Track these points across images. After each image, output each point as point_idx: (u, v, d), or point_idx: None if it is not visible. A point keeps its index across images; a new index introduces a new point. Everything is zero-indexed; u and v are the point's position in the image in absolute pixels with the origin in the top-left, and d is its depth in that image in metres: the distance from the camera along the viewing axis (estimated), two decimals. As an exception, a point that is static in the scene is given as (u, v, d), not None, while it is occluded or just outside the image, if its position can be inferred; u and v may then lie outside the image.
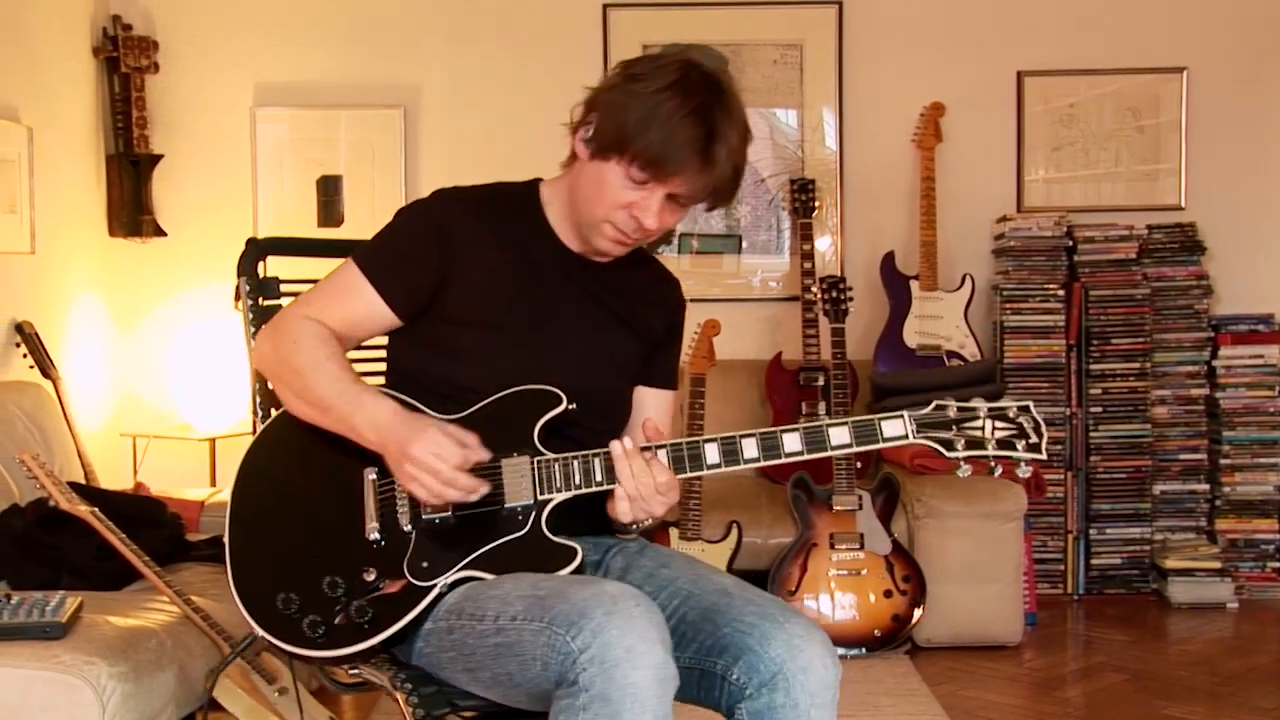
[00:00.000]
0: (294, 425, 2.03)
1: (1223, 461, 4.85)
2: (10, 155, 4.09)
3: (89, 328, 4.72)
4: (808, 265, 4.69)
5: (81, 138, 4.70)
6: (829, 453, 1.87)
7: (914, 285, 4.88)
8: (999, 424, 1.90)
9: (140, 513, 3.37)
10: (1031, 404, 1.93)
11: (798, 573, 4.10)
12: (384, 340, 2.14)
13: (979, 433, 1.89)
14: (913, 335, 4.84)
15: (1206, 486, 4.86)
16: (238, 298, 2.28)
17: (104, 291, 4.86)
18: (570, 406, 1.95)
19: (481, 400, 1.98)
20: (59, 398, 3.98)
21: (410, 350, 2.07)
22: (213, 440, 4.69)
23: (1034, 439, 1.91)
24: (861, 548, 4.10)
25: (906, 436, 1.87)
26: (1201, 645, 4.26)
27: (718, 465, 1.88)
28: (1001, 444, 1.90)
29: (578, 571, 1.88)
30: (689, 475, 1.90)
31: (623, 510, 1.89)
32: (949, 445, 1.89)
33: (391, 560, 1.93)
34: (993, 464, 1.91)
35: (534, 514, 1.92)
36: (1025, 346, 4.81)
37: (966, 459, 1.90)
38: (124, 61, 4.77)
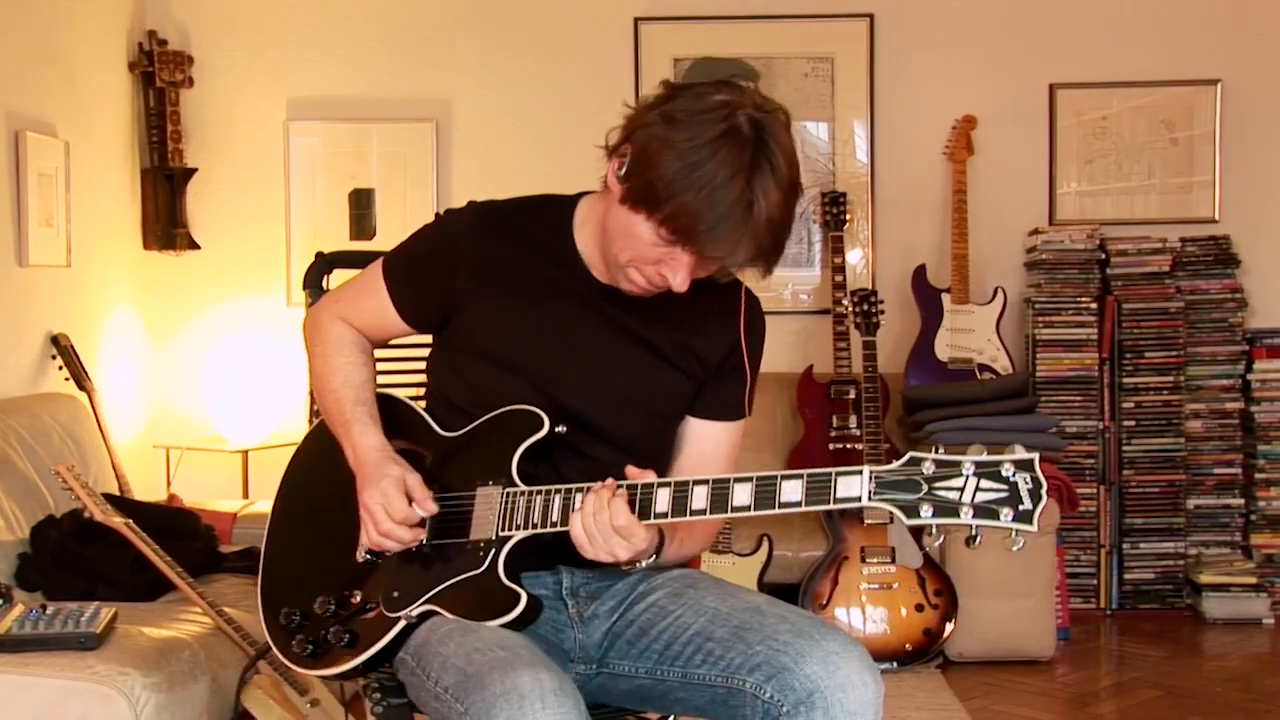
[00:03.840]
0: (328, 433, 2.05)
1: (1258, 476, 4.80)
2: (48, 169, 4.12)
3: (123, 340, 4.75)
4: (839, 278, 4.68)
5: (117, 152, 4.73)
6: (777, 510, 1.66)
7: (946, 298, 4.86)
8: (986, 484, 1.59)
9: (174, 524, 3.40)
10: (1037, 458, 1.60)
11: (829, 586, 4.09)
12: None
13: (954, 494, 1.59)
14: (944, 348, 4.82)
15: (1241, 501, 4.82)
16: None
17: (138, 304, 4.90)
18: (559, 429, 1.88)
19: (476, 420, 1.96)
20: (94, 410, 4.02)
21: (436, 359, 2.09)
22: (245, 452, 4.70)
23: (1026, 505, 1.57)
24: (893, 561, 4.09)
25: (861, 498, 1.62)
26: (1237, 661, 4.23)
27: (665, 514, 1.74)
28: (982, 510, 1.58)
29: (524, 616, 1.81)
30: (648, 521, 1.77)
31: (579, 541, 1.78)
32: (911, 510, 1.60)
33: (375, 585, 1.93)
34: (973, 530, 1.60)
35: (493, 551, 1.84)
36: (1058, 360, 4.79)
37: (936, 526, 1.62)
38: (159, 76, 4.81)
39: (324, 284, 2.32)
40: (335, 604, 1.95)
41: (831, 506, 1.64)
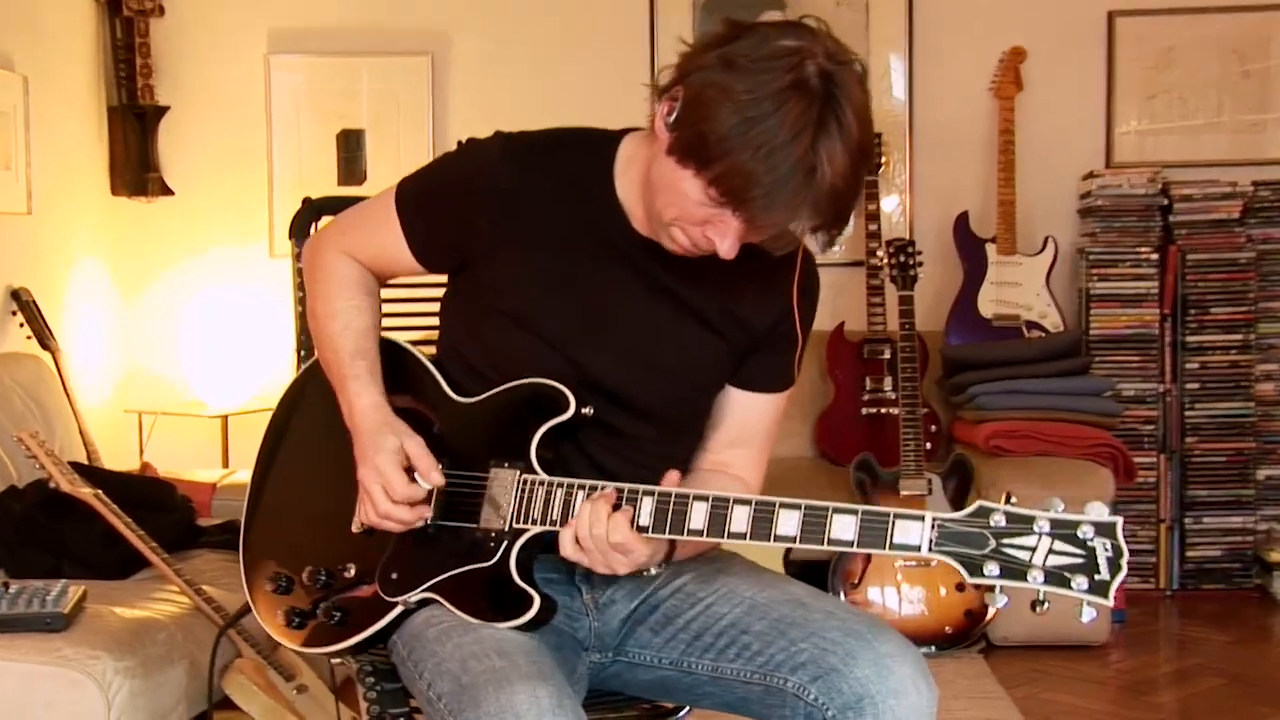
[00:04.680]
0: (323, 377, 2.02)
1: (1334, 444, 4.72)
2: (5, 107, 4.11)
3: (91, 294, 4.75)
4: (873, 227, 4.66)
5: (81, 88, 4.72)
6: (826, 546, 1.66)
7: (990, 249, 4.85)
8: (1060, 545, 1.57)
9: (147, 495, 3.42)
10: (1120, 523, 1.58)
11: (861, 564, 4.09)
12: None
13: (1024, 554, 1.58)
14: (989, 304, 4.81)
15: (1317, 472, 4.74)
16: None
17: (107, 255, 4.90)
18: (585, 411, 1.84)
19: (494, 389, 1.92)
20: (59, 371, 4.02)
21: (450, 305, 2.05)
22: (225, 417, 4.72)
23: (1103, 575, 1.56)
24: (932, 537, 4.08)
25: (920, 548, 1.61)
26: (1309, 647, 4.18)
27: (701, 532, 1.72)
28: (1053, 575, 1.58)
29: (537, 619, 1.80)
30: (670, 536, 1.76)
31: (567, 550, 1.77)
32: (974, 567, 1.59)
33: (371, 561, 1.92)
34: (1040, 595, 1.59)
35: (505, 544, 1.82)
36: (1114, 316, 4.77)
37: (999, 587, 1.61)
38: (126, 4, 4.78)
39: (311, 233, 2.31)
40: (326, 575, 1.94)
41: (886, 552, 1.64)
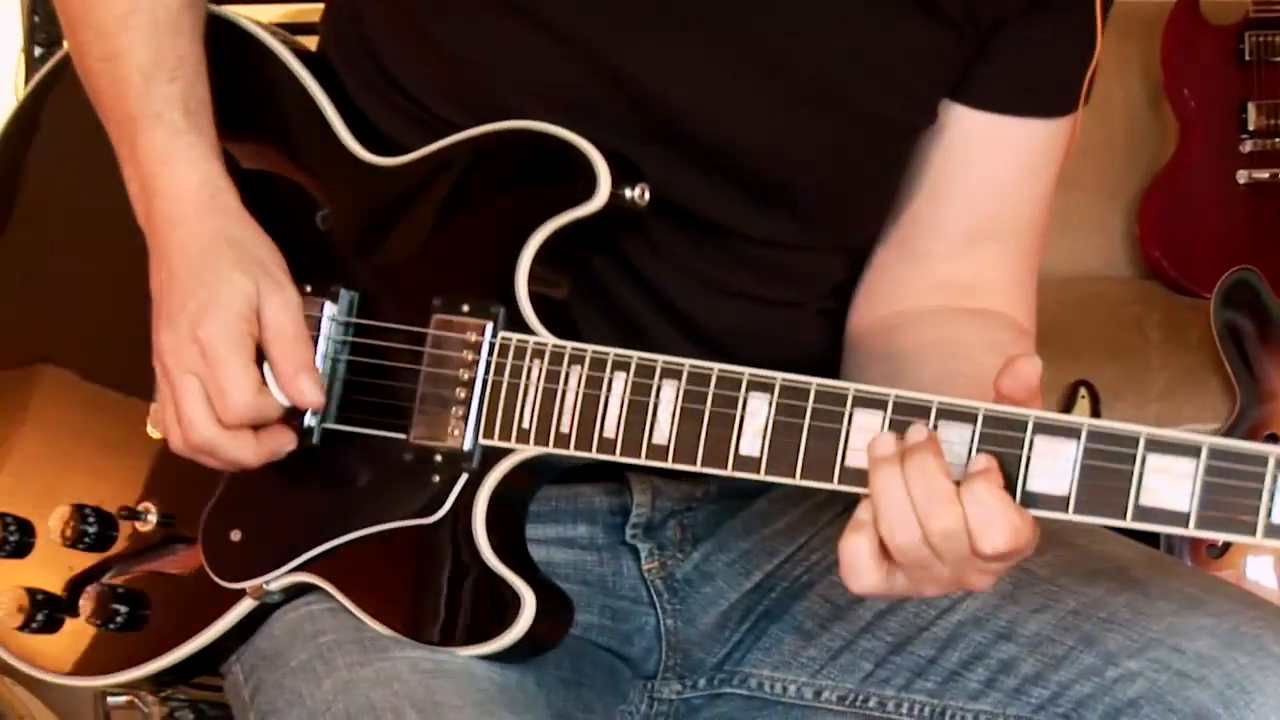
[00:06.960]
0: (81, 103, 1.92)
1: None
2: None
3: None
4: None
5: None
6: (1129, 520, 1.30)
7: None
8: None
9: None
10: None
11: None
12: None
13: None
14: None
15: None
16: None
17: None
18: (632, 196, 1.62)
19: (447, 138, 1.79)
20: None
21: None
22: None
23: None
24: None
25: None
26: None
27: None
28: None
29: (530, 641, 1.58)
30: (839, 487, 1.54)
31: (870, 581, 1.45)
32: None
33: (192, 500, 1.78)
34: None
35: (464, 481, 1.62)
36: None
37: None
38: None
39: None
40: (98, 525, 1.82)
41: (1259, 540, 1.32)
